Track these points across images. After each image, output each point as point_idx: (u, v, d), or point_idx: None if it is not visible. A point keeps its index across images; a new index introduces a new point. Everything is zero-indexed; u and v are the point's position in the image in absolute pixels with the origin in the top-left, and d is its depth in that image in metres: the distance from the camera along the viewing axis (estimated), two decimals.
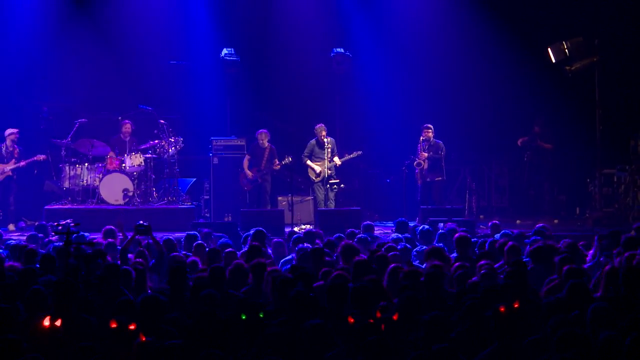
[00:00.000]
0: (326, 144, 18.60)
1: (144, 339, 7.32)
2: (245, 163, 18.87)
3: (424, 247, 13.13)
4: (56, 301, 8.27)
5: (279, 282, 9.14)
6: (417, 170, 18.60)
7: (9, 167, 18.53)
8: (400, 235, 13.41)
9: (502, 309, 7.56)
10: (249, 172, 18.78)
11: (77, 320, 8.00)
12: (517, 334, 7.58)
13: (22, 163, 18.59)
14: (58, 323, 7.41)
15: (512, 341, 7.52)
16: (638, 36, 19.72)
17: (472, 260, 11.39)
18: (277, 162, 18.67)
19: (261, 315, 7.88)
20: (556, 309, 8.17)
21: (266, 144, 18.85)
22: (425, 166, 18.51)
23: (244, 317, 7.77)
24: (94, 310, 8.76)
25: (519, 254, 11.43)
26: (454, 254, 12.12)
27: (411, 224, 16.10)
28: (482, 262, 10.69)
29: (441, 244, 12.70)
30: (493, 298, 8.51)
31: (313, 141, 18.83)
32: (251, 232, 13.23)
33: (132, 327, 7.50)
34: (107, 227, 14.08)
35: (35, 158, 18.68)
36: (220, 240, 13.39)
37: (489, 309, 7.97)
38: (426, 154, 18.48)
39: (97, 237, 13.80)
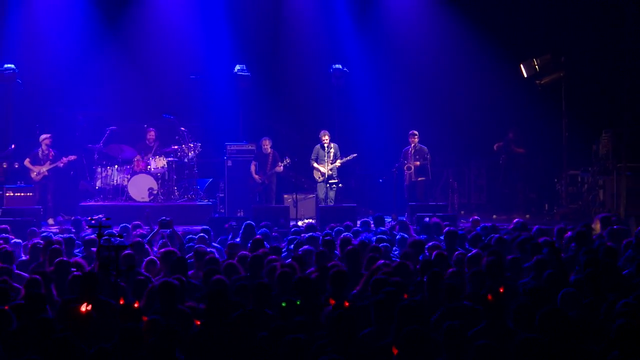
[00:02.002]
0: (327, 148, 18.68)
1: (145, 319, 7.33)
2: (253, 169, 18.92)
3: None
4: (83, 289, 8.29)
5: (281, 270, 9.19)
6: (406, 173, 18.63)
7: (44, 168, 18.56)
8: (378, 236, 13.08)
9: (490, 297, 7.51)
10: (256, 177, 18.82)
11: (101, 304, 8.09)
12: (502, 315, 7.53)
13: (60, 164, 18.63)
14: (89, 307, 7.48)
15: (497, 321, 7.47)
16: (599, 54, 19.72)
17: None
18: (280, 165, 18.72)
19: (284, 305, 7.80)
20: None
21: (269, 150, 18.85)
22: (413, 169, 18.54)
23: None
24: (122, 293, 8.82)
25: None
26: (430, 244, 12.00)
27: (400, 218, 16.17)
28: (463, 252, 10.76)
29: (424, 236, 12.73)
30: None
31: (318, 146, 18.83)
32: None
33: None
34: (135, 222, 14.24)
35: (68, 158, 18.71)
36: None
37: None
38: (418, 163, 18.48)
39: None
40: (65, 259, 10.30)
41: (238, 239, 12.92)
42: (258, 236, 12.00)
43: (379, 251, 10.74)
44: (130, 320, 7.26)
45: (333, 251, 11.19)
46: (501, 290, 7.79)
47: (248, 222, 13.37)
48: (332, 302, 8.16)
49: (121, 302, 7.97)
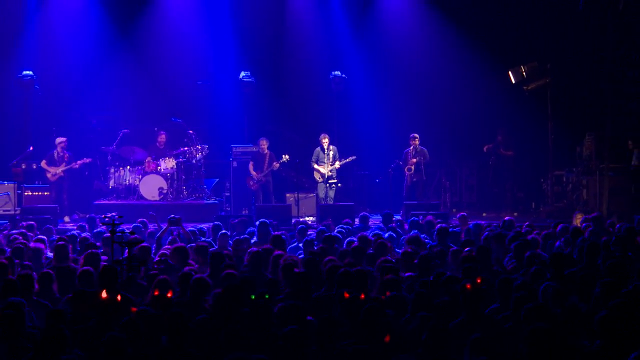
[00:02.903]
0: (326, 150, 18.80)
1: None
2: (250, 167, 19.03)
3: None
4: (101, 283, 8.23)
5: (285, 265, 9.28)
6: (407, 174, 18.73)
7: (60, 169, 18.66)
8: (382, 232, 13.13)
9: (469, 286, 7.41)
10: (254, 173, 18.93)
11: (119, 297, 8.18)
12: (480, 305, 7.48)
13: (75, 166, 18.76)
14: (118, 298, 7.56)
15: (477, 312, 7.40)
16: (582, 61, 19.79)
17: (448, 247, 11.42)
18: (276, 163, 18.83)
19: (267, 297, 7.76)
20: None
21: (266, 150, 18.92)
22: (413, 170, 18.65)
23: (253, 297, 7.67)
24: (135, 286, 8.93)
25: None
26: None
27: (396, 217, 16.27)
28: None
29: (417, 232, 12.81)
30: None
31: (318, 148, 18.92)
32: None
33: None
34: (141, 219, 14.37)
35: (83, 161, 18.82)
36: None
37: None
38: (415, 160, 18.60)
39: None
40: (98, 251, 10.40)
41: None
42: (278, 233, 12.01)
43: (384, 247, 10.82)
44: (162, 309, 7.39)
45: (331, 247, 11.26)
46: (478, 281, 7.81)
47: (262, 220, 13.38)
48: (347, 295, 8.12)
49: (156, 293, 8.04)
